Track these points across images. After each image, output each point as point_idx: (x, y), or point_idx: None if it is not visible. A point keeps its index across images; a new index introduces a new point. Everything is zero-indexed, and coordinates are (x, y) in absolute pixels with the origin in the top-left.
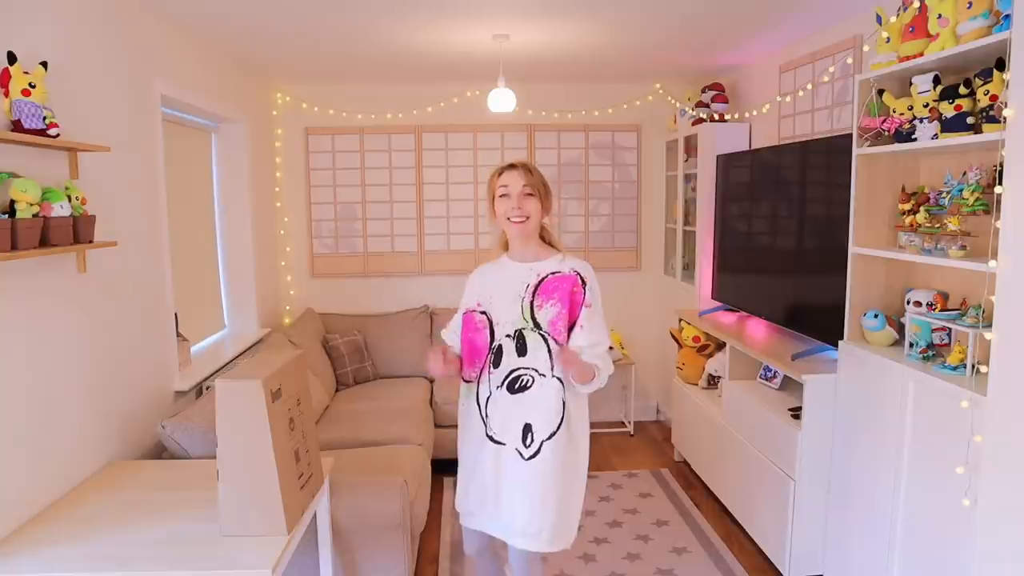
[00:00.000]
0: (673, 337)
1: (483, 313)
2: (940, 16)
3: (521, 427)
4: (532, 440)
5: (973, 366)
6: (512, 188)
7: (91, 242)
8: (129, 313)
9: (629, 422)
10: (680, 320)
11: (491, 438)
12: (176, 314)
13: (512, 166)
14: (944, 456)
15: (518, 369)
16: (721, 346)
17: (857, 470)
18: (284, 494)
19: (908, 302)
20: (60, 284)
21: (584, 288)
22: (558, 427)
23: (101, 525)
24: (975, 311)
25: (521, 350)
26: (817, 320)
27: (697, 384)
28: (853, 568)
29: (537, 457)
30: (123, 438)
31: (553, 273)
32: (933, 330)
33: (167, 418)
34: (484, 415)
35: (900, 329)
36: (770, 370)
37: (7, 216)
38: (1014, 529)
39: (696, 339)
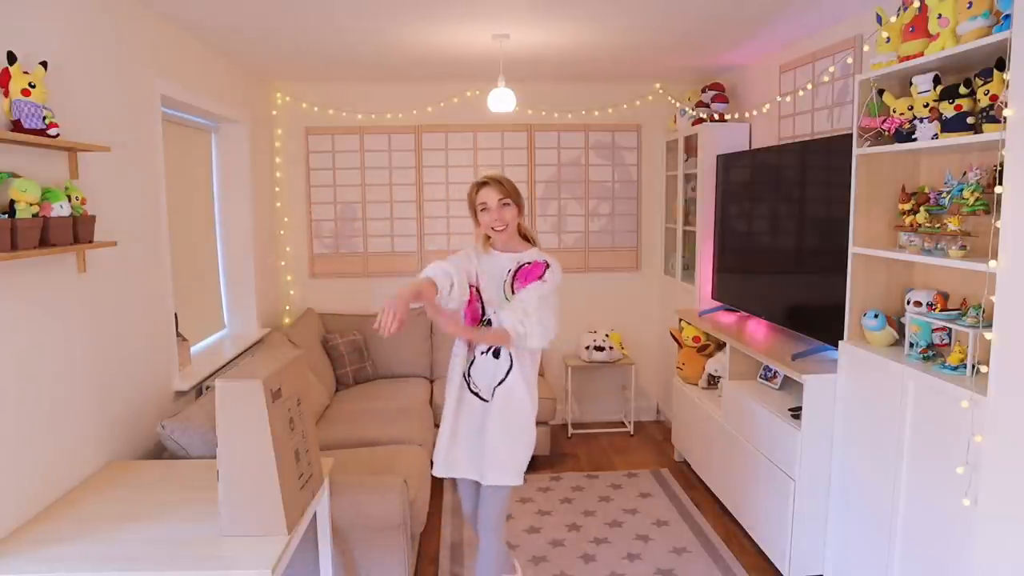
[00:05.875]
0: (673, 337)
1: (478, 289)
2: (940, 16)
3: (493, 383)
4: (494, 393)
5: (973, 366)
6: (490, 203)
7: (91, 242)
8: (129, 313)
9: (629, 422)
10: (680, 320)
11: (477, 395)
12: (176, 314)
13: (485, 183)
14: (944, 456)
15: None
16: (721, 346)
17: (857, 470)
18: (284, 494)
19: (908, 302)
20: (60, 284)
21: (546, 271)
22: (506, 375)
23: (101, 525)
24: (975, 311)
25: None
26: (817, 320)
27: (697, 384)
28: (853, 568)
29: (493, 400)
30: (123, 438)
31: (528, 263)
32: (933, 330)
33: (167, 418)
34: (467, 373)
35: (900, 329)
36: (770, 370)
37: (7, 216)
38: (1014, 529)
39: (696, 339)
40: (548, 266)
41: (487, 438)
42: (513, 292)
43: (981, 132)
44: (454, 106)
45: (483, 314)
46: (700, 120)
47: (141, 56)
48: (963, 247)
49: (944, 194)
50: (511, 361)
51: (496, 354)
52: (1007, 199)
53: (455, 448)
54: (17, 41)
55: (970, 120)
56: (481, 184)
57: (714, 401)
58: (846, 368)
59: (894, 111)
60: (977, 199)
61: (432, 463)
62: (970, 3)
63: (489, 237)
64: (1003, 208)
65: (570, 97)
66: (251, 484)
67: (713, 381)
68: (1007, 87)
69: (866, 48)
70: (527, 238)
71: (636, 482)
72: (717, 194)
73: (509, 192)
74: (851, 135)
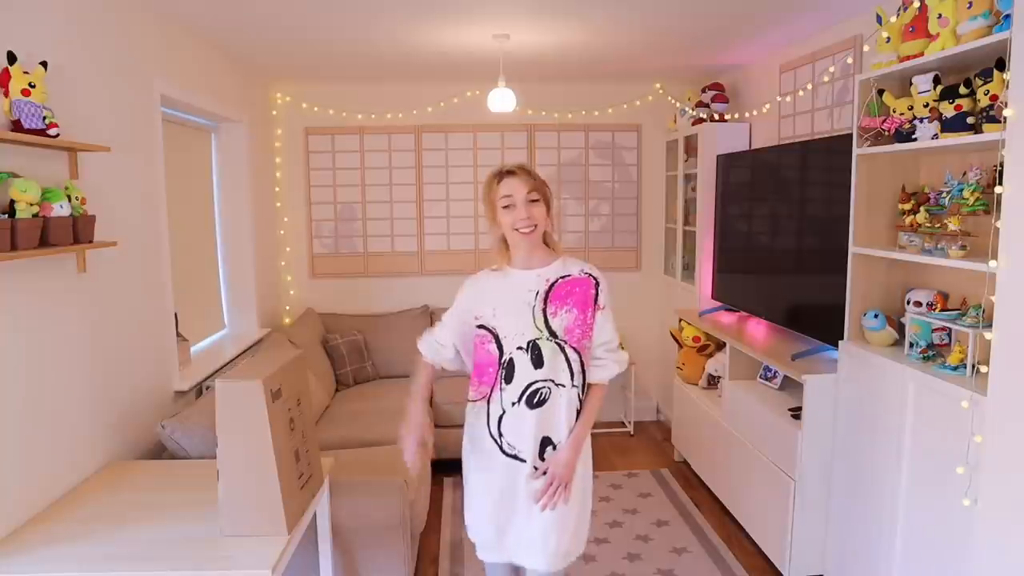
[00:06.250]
0: (673, 337)
1: (482, 327)
2: (940, 16)
3: (538, 442)
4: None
5: (973, 366)
6: (516, 197)
7: (91, 242)
8: (129, 313)
9: (629, 422)
10: (680, 320)
11: (514, 456)
12: (176, 314)
13: (511, 172)
14: (944, 456)
15: (536, 382)
16: (721, 346)
17: (857, 470)
18: (284, 494)
19: (908, 302)
20: (60, 284)
21: (598, 291)
22: (568, 435)
23: (101, 525)
24: (975, 311)
25: (537, 362)
26: (817, 320)
27: (697, 384)
28: (853, 568)
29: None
30: (123, 438)
31: (563, 277)
32: (933, 330)
33: (167, 418)
34: (497, 434)
35: (900, 329)
36: (770, 370)
37: (7, 216)
38: (1014, 529)
39: (696, 339)
40: (598, 283)
41: (557, 515)
42: (545, 318)
43: (981, 132)
44: (454, 106)
45: (501, 354)
46: (700, 120)
47: (141, 56)
48: (963, 247)
49: (944, 194)
50: (578, 405)
51: (538, 400)
52: (1007, 199)
53: (507, 526)
54: (17, 41)
55: (970, 120)
56: (505, 173)
57: (714, 401)
58: (846, 368)
59: (894, 111)
60: (977, 199)
61: (462, 530)
62: (970, 3)
63: (508, 248)
64: (1003, 208)
65: (570, 97)
66: (251, 484)
67: (713, 381)
68: (1007, 87)
69: (866, 48)
70: (548, 245)
71: (636, 482)
72: (717, 194)
73: (539, 186)
74: (851, 135)
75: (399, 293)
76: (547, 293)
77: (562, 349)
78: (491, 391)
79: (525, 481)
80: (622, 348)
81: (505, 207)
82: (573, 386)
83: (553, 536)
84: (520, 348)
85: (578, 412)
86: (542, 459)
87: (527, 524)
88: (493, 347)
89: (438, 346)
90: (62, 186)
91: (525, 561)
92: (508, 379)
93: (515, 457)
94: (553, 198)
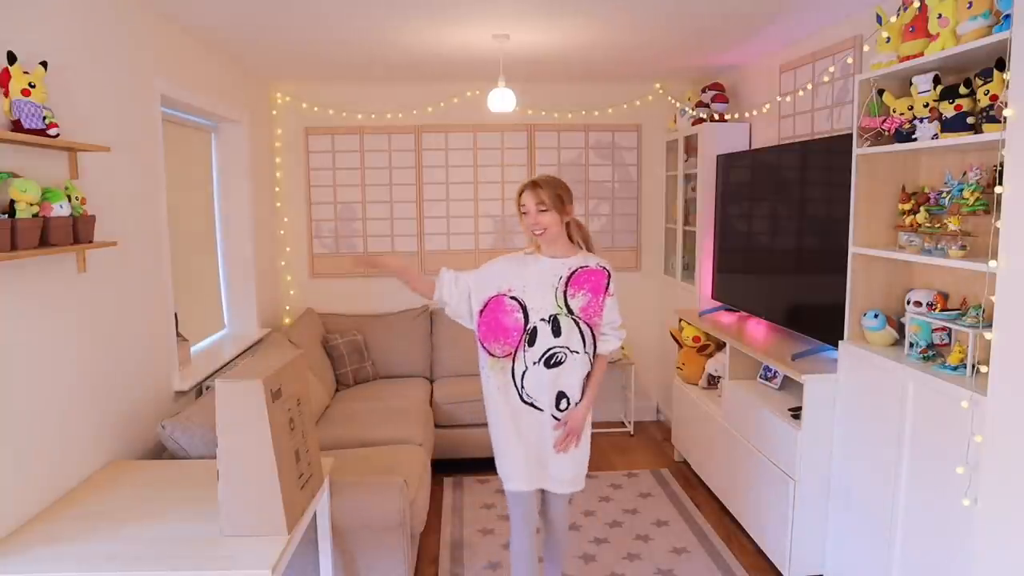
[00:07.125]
0: (673, 337)
1: (514, 298)
2: (940, 16)
3: (555, 395)
4: (567, 405)
5: (973, 366)
6: (529, 207)
7: (91, 242)
8: (129, 313)
9: (629, 422)
10: (680, 320)
11: (532, 405)
12: (176, 314)
13: (527, 186)
14: (944, 456)
15: (553, 347)
16: (721, 346)
17: (857, 470)
18: (284, 494)
19: (908, 302)
20: (60, 284)
21: (609, 280)
22: (582, 393)
23: (101, 525)
24: (975, 311)
25: (556, 332)
26: (817, 320)
27: (697, 384)
28: (853, 568)
29: (561, 416)
30: (123, 438)
31: (582, 268)
32: (933, 330)
33: (167, 418)
34: (520, 386)
35: (900, 329)
36: (770, 370)
37: (7, 216)
38: (1014, 529)
39: (696, 339)
40: (609, 275)
41: (571, 452)
42: (566, 299)
43: (981, 132)
44: (454, 106)
45: (527, 322)
46: (700, 120)
47: (141, 56)
48: (963, 247)
49: (944, 194)
50: (588, 368)
51: (555, 362)
52: (1007, 199)
53: (537, 460)
54: (17, 41)
55: (970, 120)
56: (524, 187)
57: (714, 401)
58: (846, 368)
59: (894, 111)
60: (977, 199)
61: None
62: (970, 3)
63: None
64: (1003, 208)
65: (570, 97)
66: (251, 484)
67: (713, 381)
68: (1007, 87)
69: (866, 48)
70: (576, 241)
71: (636, 482)
72: (717, 194)
73: (545, 199)
74: (851, 135)
75: (399, 293)
76: (568, 279)
77: (577, 324)
78: (516, 350)
79: (545, 428)
80: (622, 348)
81: (523, 214)
82: (584, 353)
83: (569, 468)
84: (543, 320)
85: (587, 374)
86: (558, 408)
87: (551, 460)
88: (520, 315)
89: (454, 282)
90: (62, 186)
91: (550, 486)
92: (531, 343)
93: (532, 405)
94: (569, 204)
